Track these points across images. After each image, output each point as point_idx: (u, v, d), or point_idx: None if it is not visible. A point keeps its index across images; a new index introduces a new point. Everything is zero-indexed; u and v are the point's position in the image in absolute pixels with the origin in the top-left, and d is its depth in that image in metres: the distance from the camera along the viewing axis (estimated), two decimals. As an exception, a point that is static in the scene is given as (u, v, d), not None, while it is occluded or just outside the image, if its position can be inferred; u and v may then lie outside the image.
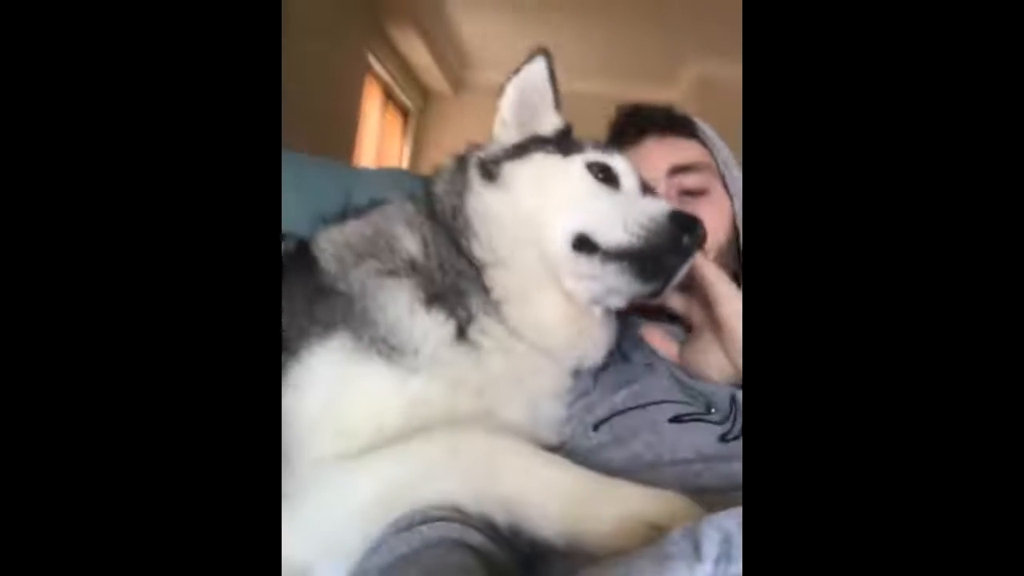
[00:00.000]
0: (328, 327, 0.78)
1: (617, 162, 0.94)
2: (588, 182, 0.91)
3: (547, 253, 0.86)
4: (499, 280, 0.86)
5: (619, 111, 1.19)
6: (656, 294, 0.85)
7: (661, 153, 1.08)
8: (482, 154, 0.96)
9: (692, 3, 4.34)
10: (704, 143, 1.11)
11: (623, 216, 0.82)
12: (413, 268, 0.85)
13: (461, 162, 0.98)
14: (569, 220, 0.86)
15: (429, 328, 0.80)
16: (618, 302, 0.90)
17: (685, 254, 0.83)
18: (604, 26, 4.89)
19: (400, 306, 0.80)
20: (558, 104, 1.04)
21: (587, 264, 0.84)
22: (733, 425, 0.83)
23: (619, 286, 0.84)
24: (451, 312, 0.83)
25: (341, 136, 4.74)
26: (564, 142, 0.97)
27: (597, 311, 0.91)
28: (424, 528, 0.61)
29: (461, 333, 0.82)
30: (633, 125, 1.15)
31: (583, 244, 0.84)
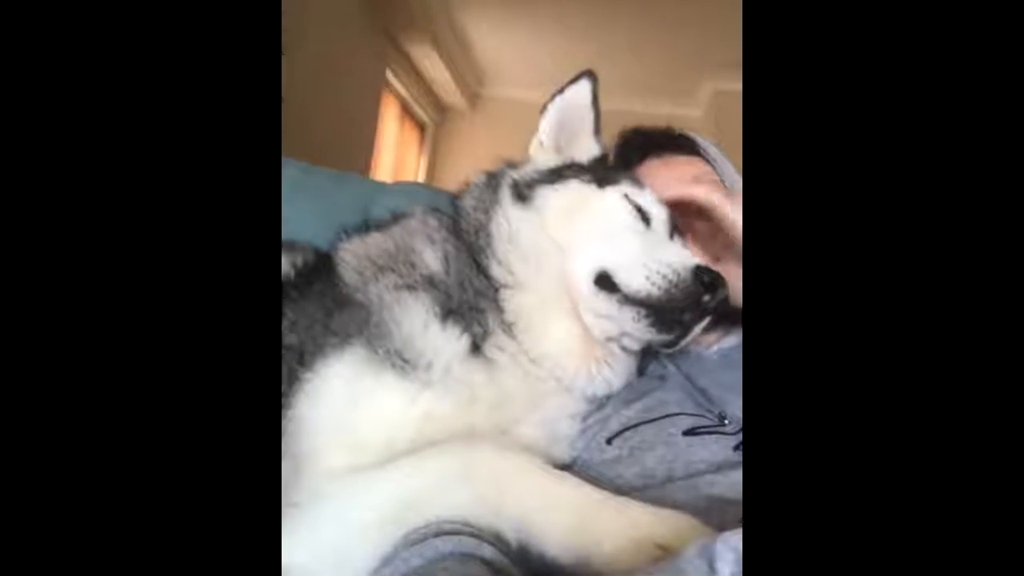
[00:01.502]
0: (344, 339, 0.78)
1: (650, 200, 0.93)
2: (621, 217, 0.90)
3: (569, 284, 0.86)
4: (513, 302, 0.86)
5: (620, 134, 1.19)
6: (671, 345, 0.84)
7: (663, 172, 1.08)
8: (516, 175, 0.96)
9: (709, 19, 4.35)
10: (706, 159, 1.11)
11: (647, 262, 0.81)
12: (431, 283, 0.85)
13: (493, 179, 0.98)
14: (595, 255, 0.85)
15: (443, 343, 0.80)
16: (632, 345, 0.88)
17: (704, 312, 0.81)
18: (621, 43, 4.91)
19: (415, 320, 0.80)
20: (598, 129, 1.02)
21: (605, 303, 0.83)
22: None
23: (634, 332, 0.83)
24: (466, 327, 0.82)
25: (359, 150, 4.79)
26: (600, 172, 0.96)
27: (615, 347, 0.89)
28: (438, 541, 0.61)
29: (476, 348, 0.82)
30: (635, 147, 1.15)
31: (604, 282, 0.83)
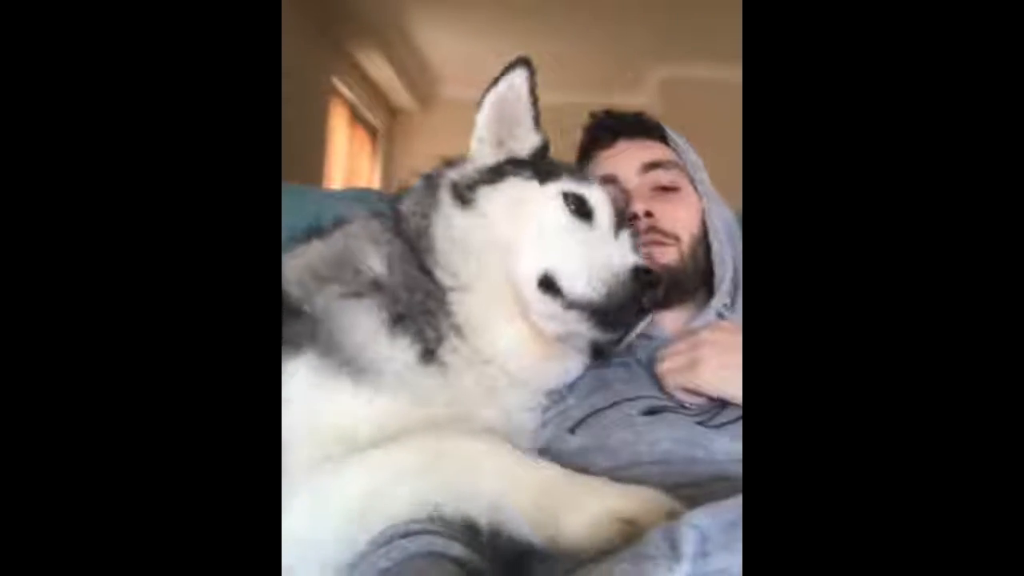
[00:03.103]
0: (297, 348, 0.77)
1: (593, 193, 0.94)
2: (562, 215, 0.90)
3: (514, 285, 0.86)
4: (461, 305, 0.86)
5: (592, 116, 1.21)
6: (616, 343, 0.87)
7: (634, 152, 1.11)
8: (455, 175, 0.95)
9: (652, 9, 4.41)
10: (673, 148, 1.15)
11: (588, 266, 0.83)
12: (377, 287, 0.85)
13: (431, 180, 0.97)
14: (538, 258, 0.86)
15: (393, 352, 0.80)
16: (581, 343, 0.90)
17: (644, 311, 0.84)
18: (567, 37, 4.93)
19: (363, 330, 0.80)
20: (538, 119, 1.00)
21: (551, 306, 0.84)
22: (713, 416, 0.84)
23: (580, 331, 0.85)
24: (418, 334, 0.82)
25: (309, 160, 4.70)
26: (541, 165, 0.96)
27: (566, 344, 0.90)
28: (405, 542, 0.61)
29: (428, 354, 0.82)
30: (607, 129, 1.17)
31: (548, 285, 0.84)
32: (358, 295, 0.83)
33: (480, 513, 0.66)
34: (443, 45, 5.38)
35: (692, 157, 1.15)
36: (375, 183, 6.07)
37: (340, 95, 5.38)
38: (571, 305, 0.82)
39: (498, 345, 0.86)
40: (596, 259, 0.83)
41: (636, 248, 0.97)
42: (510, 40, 5.09)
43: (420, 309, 0.85)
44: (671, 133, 1.17)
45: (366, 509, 0.67)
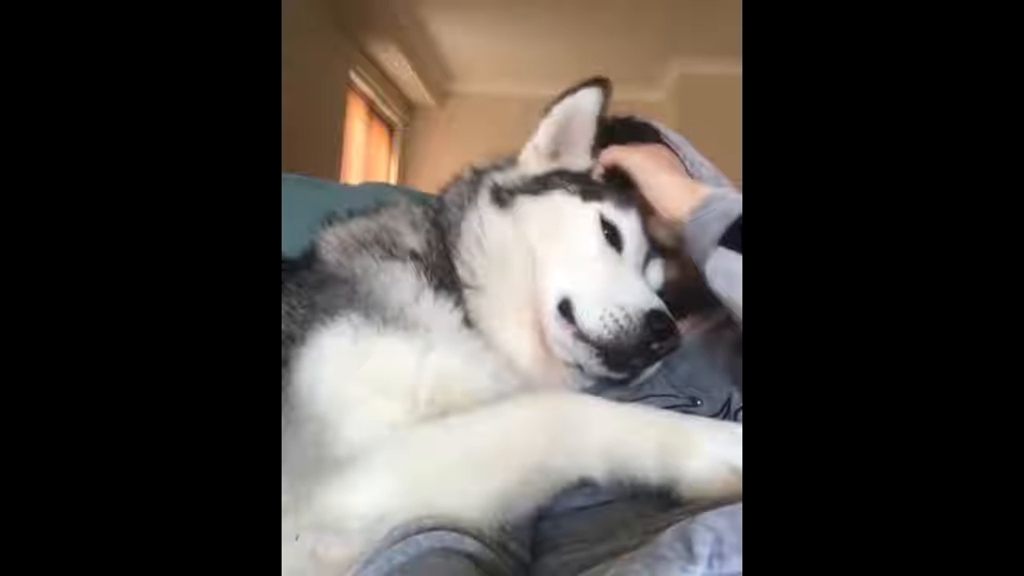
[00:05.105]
0: (333, 311, 0.76)
1: (628, 222, 0.93)
2: (594, 241, 0.90)
3: (536, 299, 0.86)
4: (472, 303, 0.86)
5: None
6: (624, 383, 0.86)
7: None
8: (500, 178, 0.95)
9: (669, 4, 4.37)
10: (668, 146, 1.11)
11: (605, 302, 0.82)
12: (415, 256, 0.86)
13: (477, 176, 0.97)
14: (563, 280, 0.86)
15: (438, 312, 0.80)
16: (587, 374, 0.87)
17: (653, 358, 0.83)
18: (585, 33, 4.91)
19: (406, 289, 0.80)
20: (596, 144, 1.00)
21: (563, 332, 0.84)
22: (723, 415, 0.84)
23: (586, 364, 0.84)
24: (457, 302, 0.83)
25: (327, 154, 4.73)
26: (587, 184, 0.95)
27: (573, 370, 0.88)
28: (420, 538, 0.61)
29: (467, 323, 0.83)
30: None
31: (565, 309, 0.84)
32: (396, 258, 0.84)
33: (596, 464, 0.65)
34: (460, 41, 5.38)
35: (690, 153, 1.10)
36: (392, 178, 6.10)
37: (358, 90, 5.41)
38: (580, 336, 0.82)
39: (503, 350, 0.85)
40: (615, 296, 0.82)
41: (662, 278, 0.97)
42: (527, 36, 5.09)
43: (456, 285, 0.85)
44: (665, 131, 1.12)
45: (488, 464, 0.66)
